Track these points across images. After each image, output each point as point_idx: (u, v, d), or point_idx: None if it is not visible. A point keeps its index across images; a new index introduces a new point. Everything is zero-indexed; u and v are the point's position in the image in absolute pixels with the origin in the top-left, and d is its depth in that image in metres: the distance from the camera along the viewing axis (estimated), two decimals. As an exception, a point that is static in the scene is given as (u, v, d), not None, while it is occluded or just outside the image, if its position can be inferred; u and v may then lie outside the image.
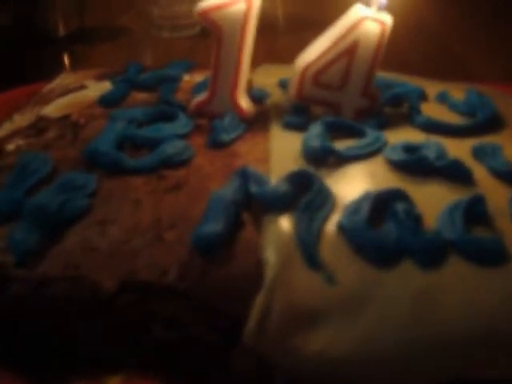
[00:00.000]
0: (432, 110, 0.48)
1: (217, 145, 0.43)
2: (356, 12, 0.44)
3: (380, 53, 0.44)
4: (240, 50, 0.45)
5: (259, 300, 0.32)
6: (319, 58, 0.45)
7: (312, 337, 0.32)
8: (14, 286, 0.35)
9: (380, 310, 0.32)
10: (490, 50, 0.86)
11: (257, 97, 0.49)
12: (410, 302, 0.32)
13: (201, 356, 0.34)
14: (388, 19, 0.43)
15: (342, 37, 0.44)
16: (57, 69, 0.75)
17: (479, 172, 0.40)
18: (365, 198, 0.35)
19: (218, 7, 0.43)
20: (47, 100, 0.52)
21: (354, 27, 0.43)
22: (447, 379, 0.32)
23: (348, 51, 0.44)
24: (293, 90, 0.46)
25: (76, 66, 0.80)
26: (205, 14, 0.44)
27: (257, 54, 0.46)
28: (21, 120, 0.49)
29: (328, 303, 0.32)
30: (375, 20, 0.43)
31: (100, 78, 0.56)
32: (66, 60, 0.82)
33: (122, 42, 0.87)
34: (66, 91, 0.53)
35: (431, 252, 0.33)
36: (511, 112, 0.49)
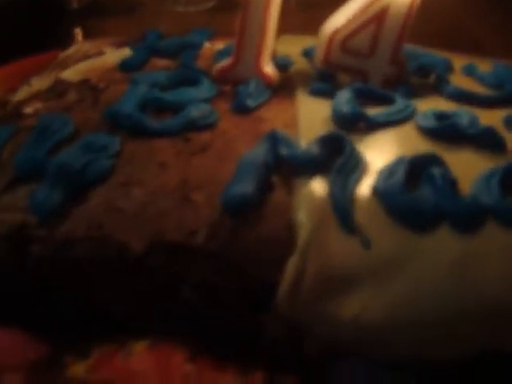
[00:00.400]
0: (459, 82, 0.46)
1: (242, 110, 0.42)
2: (387, -23, 0.42)
3: (410, 20, 0.43)
4: (266, 15, 0.43)
5: (292, 262, 0.32)
6: (348, 23, 0.43)
7: (346, 302, 0.31)
8: (36, 247, 0.34)
9: (416, 276, 0.31)
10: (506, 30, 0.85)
11: (281, 64, 0.48)
12: (447, 267, 0.31)
13: (229, 321, 0.33)
14: (420, -15, 0.42)
15: (372, 2, 0.43)
16: (70, 41, 0.73)
17: (511, 139, 0.38)
18: (399, 162, 0.34)
19: (246, -29, 0.42)
20: (65, 65, 0.51)
21: (384, -8, 0.42)
22: (481, 349, 0.32)
23: (377, 17, 0.43)
24: (319, 56, 0.45)
25: (89, 39, 0.78)
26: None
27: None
28: (39, 84, 0.48)
29: (363, 267, 0.31)
30: (407, -15, 0.42)
31: (118, 45, 0.54)
32: (79, 33, 0.81)
33: (135, 16, 0.85)
34: (84, 57, 0.52)
35: (469, 217, 0.32)
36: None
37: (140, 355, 0.32)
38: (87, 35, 0.80)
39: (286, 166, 0.36)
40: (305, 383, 0.32)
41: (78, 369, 0.32)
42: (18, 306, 0.35)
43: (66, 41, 0.75)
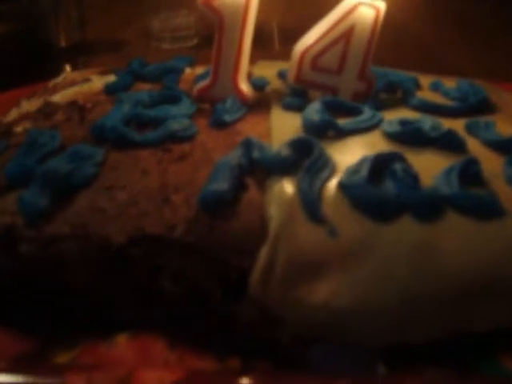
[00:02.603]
0: (426, 96, 0.49)
1: (219, 124, 0.44)
2: (351, -2, 0.46)
3: (375, 37, 0.46)
4: (241, 36, 0.46)
5: (263, 252, 0.34)
6: (317, 42, 0.47)
7: (315, 288, 0.33)
8: (24, 246, 0.36)
9: (380, 262, 0.33)
10: (473, 50, 0.89)
11: (257, 84, 0.51)
12: (409, 254, 0.33)
13: (206, 309, 0.35)
14: (382, 5, 0.45)
15: (339, 21, 0.46)
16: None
17: (472, 143, 0.41)
18: (364, 160, 0.37)
19: (220, -5, 0.45)
20: (54, 91, 0.54)
21: (349, 12, 0.45)
22: (447, 331, 0.33)
23: (344, 35, 0.46)
24: (291, 73, 0.48)
25: (77, 73, 0.81)
26: (207, 2, 0.45)
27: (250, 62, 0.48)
28: (28, 106, 0.51)
29: (330, 255, 0.33)
30: (370, 5, 0.45)
31: (104, 73, 0.57)
32: (68, 69, 0.84)
33: (122, 54, 0.89)
34: (72, 84, 0.55)
35: (429, 206, 0.34)
36: (502, 100, 0.51)
37: (122, 345, 0.34)
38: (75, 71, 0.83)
39: (259, 168, 0.38)
40: (278, 367, 0.33)
41: (63, 359, 0.33)
42: (2, 303, 0.37)
43: (55, 76, 0.78)
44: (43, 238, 0.36)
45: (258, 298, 0.33)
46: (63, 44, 0.90)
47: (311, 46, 0.47)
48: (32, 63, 0.82)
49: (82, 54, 0.89)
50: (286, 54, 0.49)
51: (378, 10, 0.45)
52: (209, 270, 0.34)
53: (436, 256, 0.33)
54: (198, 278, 0.34)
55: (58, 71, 0.84)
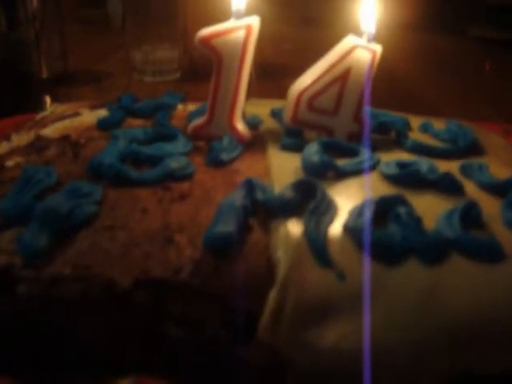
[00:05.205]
0: (417, 138, 0.50)
1: (216, 163, 0.44)
2: (348, 41, 0.47)
3: (371, 79, 0.47)
4: (239, 75, 0.47)
5: (272, 296, 0.33)
6: (313, 83, 0.47)
7: (324, 331, 0.33)
8: (22, 287, 0.35)
9: (388, 305, 0.33)
10: (458, 95, 0.92)
11: (251, 123, 0.51)
12: (415, 297, 0.34)
13: (212, 355, 0.34)
14: (378, 48, 0.46)
15: (335, 63, 0.47)
16: (40, 107, 0.76)
17: (468, 185, 0.42)
18: (367, 203, 0.37)
19: (219, 34, 0.46)
20: (43, 124, 0.53)
21: (346, 54, 0.46)
22: (454, 373, 0.33)
23: (341, 77, 0.47)
24: (288, 114, 0.48)
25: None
26: (205, 40, 0.46)
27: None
28: (18, 140, 0.50)
29: (339, 298, 0.33)
30: (366, 48, 0.46)
31: (93, 107, 0.57)
32: (49, 101, 0.83)
33: (104, 85, 0.89)
34: (61, 118, 0.54)
35: (434, 250, 0.35)
36: (490, 142, 0.52)
37: (125, 391, 0.33)
38: (56, 102, 0.82)
39: (263, 210, 0.38)
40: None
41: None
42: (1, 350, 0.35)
43: (36, 106, 0.78)
44: (43, 278, 0.35)
45: (267, 341, 0.33)
46: (45, 75, 0.89)
47: (308, 87, 0.47)
48: (12, 94, 0.81)
49: (63, 85, 0.88)
50: (264, 90, 0.49)
51: (374, 53, 0.46)
52: (215, 313, 0.34)
53: (443, 297, 0.34)
54: (204, 321, 0.34)
55: (38, 102, 0.83)
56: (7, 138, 0.50)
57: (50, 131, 0.51)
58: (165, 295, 0.34)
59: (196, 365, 0.35)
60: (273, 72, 0.91)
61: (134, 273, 0.34)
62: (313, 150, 0.43)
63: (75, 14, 1.28)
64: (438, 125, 0.54)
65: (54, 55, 0.90)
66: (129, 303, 0.34)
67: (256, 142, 0.48)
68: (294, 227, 0.36)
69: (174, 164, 0.43)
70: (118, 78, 0.93)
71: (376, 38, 0.47)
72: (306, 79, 0.48)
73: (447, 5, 1.41)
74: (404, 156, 0.46)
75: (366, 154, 0.44)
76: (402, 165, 0.43)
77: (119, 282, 0.34)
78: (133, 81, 0.91)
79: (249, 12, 0.47)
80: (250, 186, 0.39)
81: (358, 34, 0.47)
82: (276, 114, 0.53)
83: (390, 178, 0.42)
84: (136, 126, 0.51)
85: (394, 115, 0.54)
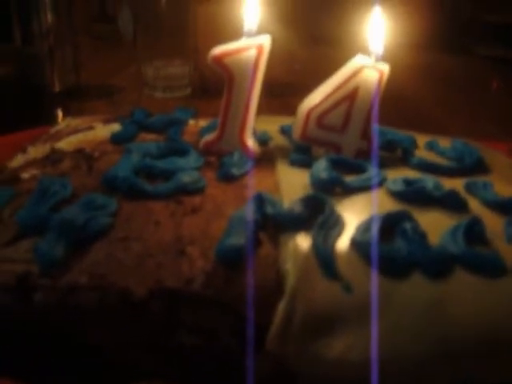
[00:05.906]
0: (423, 155, 0.51)
1: (227, 178, 0.46)
2: (356, 61, 0.48)
3: (378, 98, 0.48)
4: (250, 93, 0.48)
5: (281, 307, 0.34)
6: (322, 101, 0.48)
7: (331, 342, 0.34)
8: (39, 295, 0.36)
9: (393, 317, 0.34)
10: (466, 113, 0.93)
11: (260, 139, 0.52)
12: (421, 310, 0.35)
13: (222, 364, 0.35)
14: (385, 67, 0.48)
15: (344, 83, 0.48)
16: (52, 120, 0.77)
17: (472, 203, 0.43)
18: (374, 218, 0.38)
19: (231, 53, 0.47)
20: (58, 137, 0.54)
21: (354, 74, 0.47)
22: (455, 383, 0.34)
23: (349, 96, 0.48)
24: (297, 130, 0.50)
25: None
26: (218, 59, 0.47)
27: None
28: (34, 152, 0.51)
29: (346, 310, 0.34)
30: (374, 68, 0.47)
31: (107, 121, 0.58)
32: (61, 114, 0.85)
33: (115, 100, 0.90)
34: (75, 131, 0.56)
35: (438, 264, 0.36)
36: (495, 161, 0.53)
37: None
38: (68, 115, 0.84)
39: (272, 224, 0.39)
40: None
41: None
42: (18, 356, 0.36)
43: (48, 120, 0.79)
44: (60, 287, 0.36)
45: (276, 351, 0.34)
46: (57, 88, 0.91)
47: (317, 105, 0.48)
48: (25, 107, 0.83)
49: (75, 99, 0.90)
50: (273, 107, 0.50)
51: (381, 73, 0.48)
52: (226, 322, 0.35)
53: (447, 310, 0.35)
54: (216, 330, 0.35)
55: (50, 116, 0.85)
56: (23, 150, 0.52)
57: (64, 144, 0.52)
58: (178, 305, 0.35)
59: (207, 373, 0.36)
60: (282, 90, 0.92)
61: (148, 283, 0.35)
62: (321, 167, 0.44)
63: (87, 29, 1.31)
64: (444, 143, 0.55)
65: (66, 69, 0.92)
66: (143, 312, 0.35)
67: (265, 158, 0.49)
68: (303, 241, 0.37)
69: (186, 178, 0.44)
70: (129, 93, 0.94)
71: (384, 58, 0.48)
72: (316, 97, 0.49)
73: (455, 24, 1.43)
74: (410, 173, 0.47)
75: (373, 170, 0.45)
76: (408, 182, 0.44)
77: (134, 291, 0.35)
78: (143, 96, 0.93)
79: (260, 31, 0.48)
80: (260, 200, 0.40)
81: (367, 53, 0.49)
82: (285, 131, 0.54)
83: (397, 195, 0.43)
84: (149, 140, 0.53)
85: (401, 133, 0.55)
